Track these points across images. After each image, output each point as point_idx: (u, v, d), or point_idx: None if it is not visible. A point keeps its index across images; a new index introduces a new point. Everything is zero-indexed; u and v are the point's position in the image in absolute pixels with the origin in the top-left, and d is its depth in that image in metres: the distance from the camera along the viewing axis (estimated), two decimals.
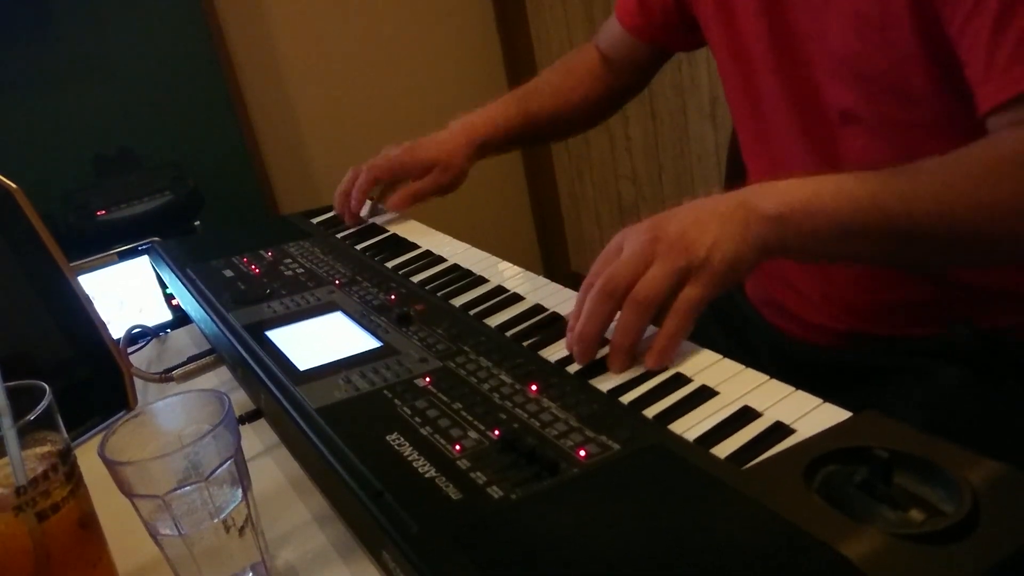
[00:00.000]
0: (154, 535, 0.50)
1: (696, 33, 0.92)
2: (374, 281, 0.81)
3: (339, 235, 0.98)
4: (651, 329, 0.60)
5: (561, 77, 1.09)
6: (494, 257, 0.83)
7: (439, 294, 0.77)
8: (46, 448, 0.51)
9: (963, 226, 0.61)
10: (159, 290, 1.14)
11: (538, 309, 0.70)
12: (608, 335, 0.60)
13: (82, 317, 0.77)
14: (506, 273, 0.79)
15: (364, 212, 1.02)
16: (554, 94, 1.08)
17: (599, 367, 0.60)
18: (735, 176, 1.17)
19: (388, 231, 0.96)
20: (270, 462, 0.66)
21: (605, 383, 0.58)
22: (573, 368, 0.60)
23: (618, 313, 0.60)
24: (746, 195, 0.62)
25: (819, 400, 0.51)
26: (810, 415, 0.50)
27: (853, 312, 0.84)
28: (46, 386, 0.51)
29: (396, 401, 0.58)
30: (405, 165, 1.01)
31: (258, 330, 0.73)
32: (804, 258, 0.80)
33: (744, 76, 0.85)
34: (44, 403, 0.50)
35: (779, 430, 0.49)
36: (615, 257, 0.61)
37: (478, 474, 0.49)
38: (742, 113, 0.89)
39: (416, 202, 1.00)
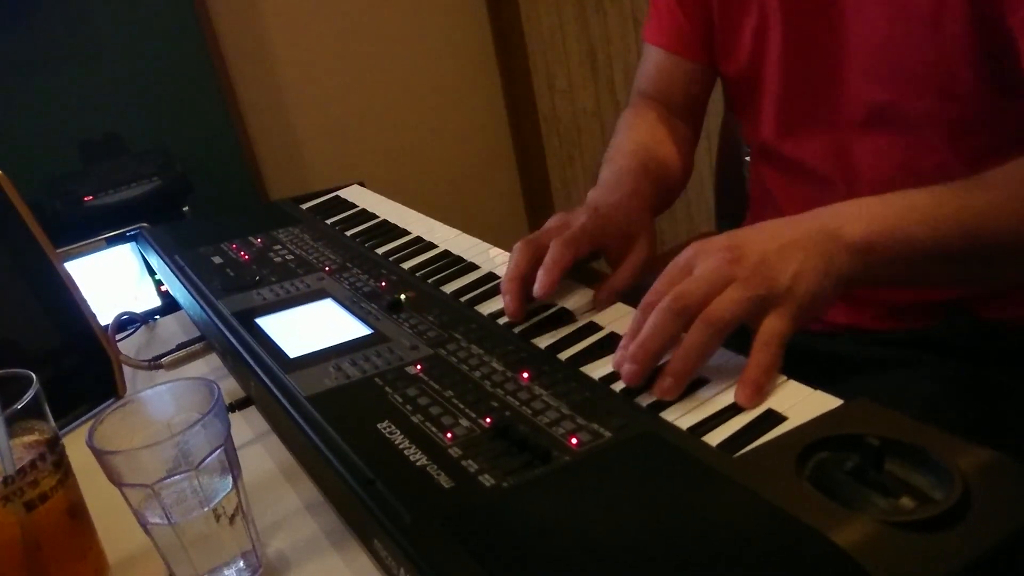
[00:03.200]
0: (144, 524, 0.50)
1: None
2: (364, 268, 0.81)
3: (329, 221, 0.97)
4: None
5: (644, 133, 0.91)
6: (485, 243, 0.83)
7: (430, 281, 0.76)
8: (34, 437, 0.51)
9: None
10: (147, 277, 1.13)
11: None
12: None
13: (69, 304, 0.76)
14: (497, 260, 0.79)
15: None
16: (658, 147, 0.90)
17: (590, 355, 0.60)
18: (726, 160, 1.17)
19: (379, 217, 0.95)
20: (260, 450, 0.66)
21: (597, 371, 0.57)
22: (565, 356, 0.60)
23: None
24: (827, 221, 0.57)
25: (810, 388, 0.51)
26: (801, 403, 0.50)
27: (856, 306, 0.84)
28: (33, 375, 0.51)
29: (387, 389, 0.58)
30: (602, 237, 0.71)
31: (248, 317, 0.73)
32: (882, 285, 0.75)
33: (752, 82, 0.84)
34: (31, 392, 0.50)
35: (771, 418, 0.49)
36: (683, 275, 0.56)
37: (470, 462, 0.49)
38: (750, 110, 0.88)
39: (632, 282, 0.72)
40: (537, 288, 0.65)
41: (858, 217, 0.57)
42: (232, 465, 0.51)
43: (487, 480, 0.47)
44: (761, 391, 0.51)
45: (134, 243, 1.05)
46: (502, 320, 0.67)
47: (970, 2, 0.65)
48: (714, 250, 0.55)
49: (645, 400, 0.53)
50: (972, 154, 0.71)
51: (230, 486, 0.51)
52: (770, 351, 0.52)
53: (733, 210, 1.19)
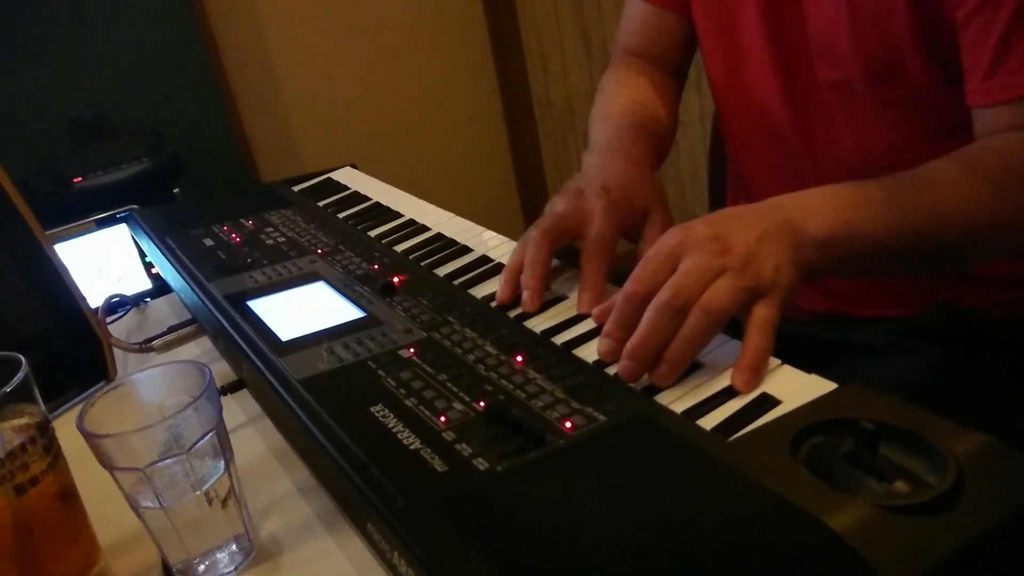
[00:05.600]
0: (135, 508, 0.50)
1: None
2: (357, 250, 0.80)
3: (321, 203, 0.96)
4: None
5: (634, 89, 0.91)
6: (479, 226, 0.83)
7: (423, 264, 0.76)
8: (23, 421, 0.50)
9: (985, 237, 0.64)
10: (138, 259, 1.12)
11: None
12: None
13: (59, 287, 0.75)
14: (491, 243, 0.78)
15: None
16: (649, 103, 0.89)
17: (584, 338, 0.59)
18: (721, 145, 1.17)
19: (371, 199, 0.95)
20: (253, 433, 0.66)
21: (591, 354, 0.57)
22: (559, 339, 0.60)
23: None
24: (790, 213, 0.59)
25: (805, 373, 0.51)
26: (796, 387, 0.50)
27: (828, 294, 0.84)
28: (22, 358, 0.50)
29: (380, 372, 0.58)
30: (622, 224, 0.70)
31: (239, 300, 0.72)
32: (840, 275, 0.79)
33: (728, 46, 0.84)
34: (20, 375, 0.49)
35: (765, 402, 0.49)
36: (669, 265, 0.56)
37: (463, 446, 0.49)
38: (726, 83, 0.88)
39: None
40: (583, 306, 0.64)
41: (819, 212, 0.59)
42: (224, 448, 0.51)
43: (481, 464, 0.47)
44: (758, 376, 0.52)
45: (125, 225, 1.04)
46: (495, 303, 0.66)
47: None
48: (701, 241, 0.56)
49: (639, 384, 0.53)
50: (925, 136, 0.73)
51: (222, 469, 0.51)
52: (765, 336, 0.53)
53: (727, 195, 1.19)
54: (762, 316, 0.54)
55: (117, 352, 0.80)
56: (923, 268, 0.72)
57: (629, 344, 0.54)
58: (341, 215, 0.92)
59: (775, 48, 0.79)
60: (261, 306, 0.71)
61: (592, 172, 0.73)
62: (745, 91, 0.84)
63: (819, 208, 0.59)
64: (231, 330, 0.67)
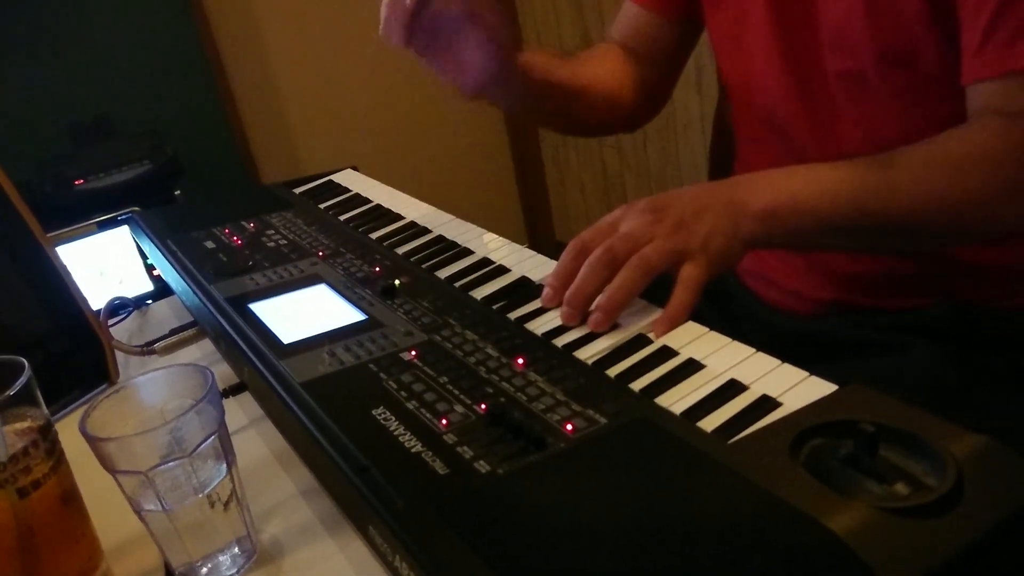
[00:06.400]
0: (138, 511, 0.50)
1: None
2: (358, 253, 0.81)
3: (322, 206, 0.97)
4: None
5: (599, 58, 0.96)
6: (479, 228, 0.83)
7: (424, 266, 0.76)
8: (26, 424, 0.50)
9: (935, 221, 0.66)
10: (139, 261, 1.12)
11: (524, 281, 0.70)
12: None
13: (61, 289, 0.75)
14: (491, 245, 0.79)
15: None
16: (595, 65, 0.94)
17: (585, 340, 0.59)
18: (721, 145, 1.17)
19: (372, 202, 0.95)
20: (254, 435, 0.66)
21: (592, 357, 0.57)
22: (560, 342, 0.60)
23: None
24: (735, 190, 0.65)
25: (805, 373, 0.51)
26: (796, 388, 0.50)
27: (836, 281, 0.84)
28: (25, 362, 0.50)
29: (381, 375, 0.58)
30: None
31: (241, 303, 0.72)
32: (787, 249, 0.83)
33: (738, 39, 0.84)
34: (23, 379, 0.49)
35: (765, 403, 0.49)
36: (609, 230, 0.64)
37: (464, 449, 0.49)
38: (735, 77, 0.88)
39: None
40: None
41: (761, 186, 0.65)
42: (226, 451, 0.51)
43: (482, 466, 0.47)
44: (675, 325, 0.59)
45: (126, 226, 1.04)
46: (496, 306, 0.67)
47: None
48: (638, 211, 0.64)
49: (639, 385, 0.54)
50: (935, 125, 0.73)
51: (224, 472, 0.51)
52: (688, 290, 0.60)
53: None
54: (688, 274, 0.61)
55: (119, 355, 0.81)
56: (872, 246, 0.74)
57: (567, 293, 0.62)
58: (342, 217, 0.92)
59: (783, 42, 0.79)
60: (262, 308, 0.71)
61: None
62: (753, 86, 0.85)
63: (767, 184, 0.65)
64: (233, 333, 0.67)
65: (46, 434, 0.50)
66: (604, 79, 0.94)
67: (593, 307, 0.61)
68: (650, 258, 0.61)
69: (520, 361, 0.57)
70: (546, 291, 0.64)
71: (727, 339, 0.57)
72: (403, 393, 0.55)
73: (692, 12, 0.91)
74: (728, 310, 0.95)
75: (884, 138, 0.75)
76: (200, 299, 0.75)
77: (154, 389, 0.53)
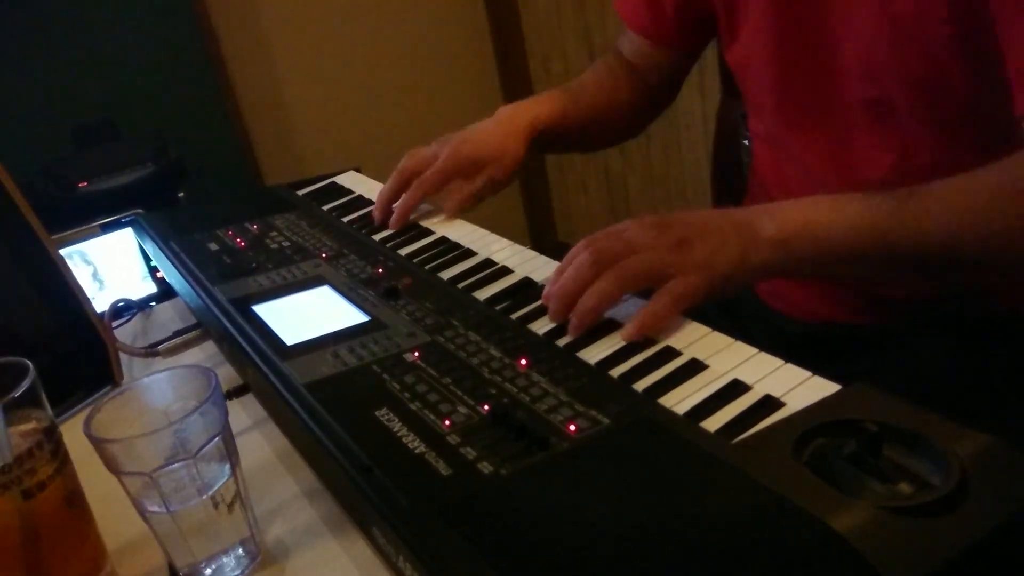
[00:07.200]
0: (142, 512, 0.50)
1: (703, 32, 0.90)
2: (361, 254, 0.81)
3: (325, 207, 0.97)
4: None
5: (603, 76, 1.00)
6: (482, 229, 0.83)
7: (427, 267, 0.76)
8: (31, 425, 0.50)
9: (972, 253, 0.62)
10: (143, 263, 1.13)
11: (527, 282, 0.70)
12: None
13: (65, 291, 0.76)
14: (494, 246, 0.79)
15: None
16: (600, 92, 0.99)
17: (588, 340, 0.60)
18: (724, 146, 1.17)
19: (375, 203, 0.95)
20: (258, 437, 0.66)
21: (594, 357, 0.57)
22: (562, 342, 0.60)
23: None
24: (751, 216, 0.63)
25: (808, 373, 0.51)
26: (799, 388, 0.50)
27: (851, 305, 0.83)
28: (30, 363, 0.51)
29: (385, 376, 0.58)
30: (454, 169, 0.88)
31: (244, 304, 0.73)
32: (806, 278, 0.82)
33: (748, 69, 0.84)
34: (28, 381, 0.50)
35: (769, 403, 0.49)
36: (613, 237, 0.63)
37: (468, 449, 0.49)
38: (752, 100, 0.88)
39: (475, 204, 0.90)
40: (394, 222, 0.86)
41: (781, 215, 0.63)
42: (230, 453, 0.51)
43: (485, 467, 0.47)
44: (640, 331, 0.58)
45: (130, 229, 1.05)
46: (499, 307, 0.67)
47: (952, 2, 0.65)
48: (646, 224, 0.63)
49: (642, 386, 0.54)
50: (964, 150, 0.72)
51: (228, 473, 0.51)
52: (662, 301, 0.59)
53: (729, 195, 1.19)
54: (671, 287, 0.60)
55: (123, 357, 0.81)
56: (901, 275, 0.73)
57: (553, 289, 0.62)
58: (345, 219, 0.92)
59: (790, 74, 0.78)
60: (266, 310, 0.71)
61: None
62: (763, 115, 0.85)
63: (784, 212, 0.63)
64: (236, 334, 0.67)
65: (51, 436, 0.50)
66: (611, 106, 0.98)
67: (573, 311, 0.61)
68: (631, 267, 0.60)
69: (523, 362, 0.57)
70: (545, 289, 0.65)
71: (730, 339, 0.57)
72: (406, 394, 0.55)
73: (693, 43, 0.93)
74: (730, 306, 0.95)
75: (917, 164, 0.74)
76: (204, 301, 0.75)
77: (158, 391, 0.53)
